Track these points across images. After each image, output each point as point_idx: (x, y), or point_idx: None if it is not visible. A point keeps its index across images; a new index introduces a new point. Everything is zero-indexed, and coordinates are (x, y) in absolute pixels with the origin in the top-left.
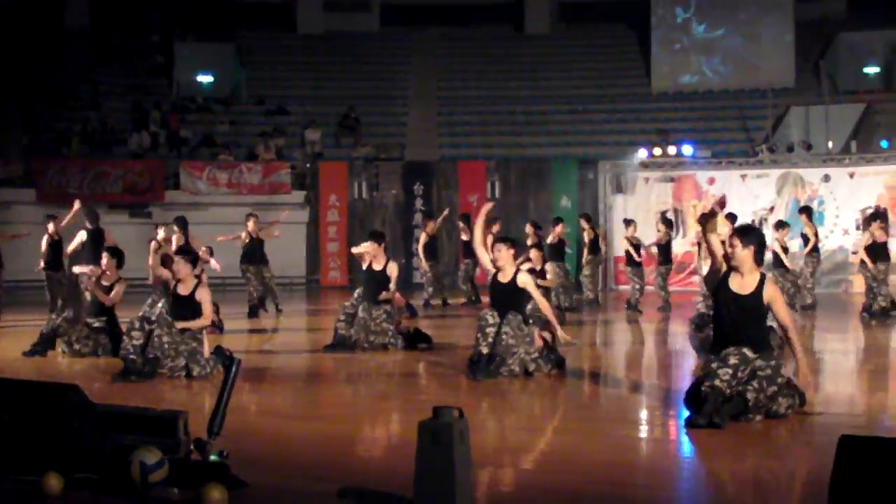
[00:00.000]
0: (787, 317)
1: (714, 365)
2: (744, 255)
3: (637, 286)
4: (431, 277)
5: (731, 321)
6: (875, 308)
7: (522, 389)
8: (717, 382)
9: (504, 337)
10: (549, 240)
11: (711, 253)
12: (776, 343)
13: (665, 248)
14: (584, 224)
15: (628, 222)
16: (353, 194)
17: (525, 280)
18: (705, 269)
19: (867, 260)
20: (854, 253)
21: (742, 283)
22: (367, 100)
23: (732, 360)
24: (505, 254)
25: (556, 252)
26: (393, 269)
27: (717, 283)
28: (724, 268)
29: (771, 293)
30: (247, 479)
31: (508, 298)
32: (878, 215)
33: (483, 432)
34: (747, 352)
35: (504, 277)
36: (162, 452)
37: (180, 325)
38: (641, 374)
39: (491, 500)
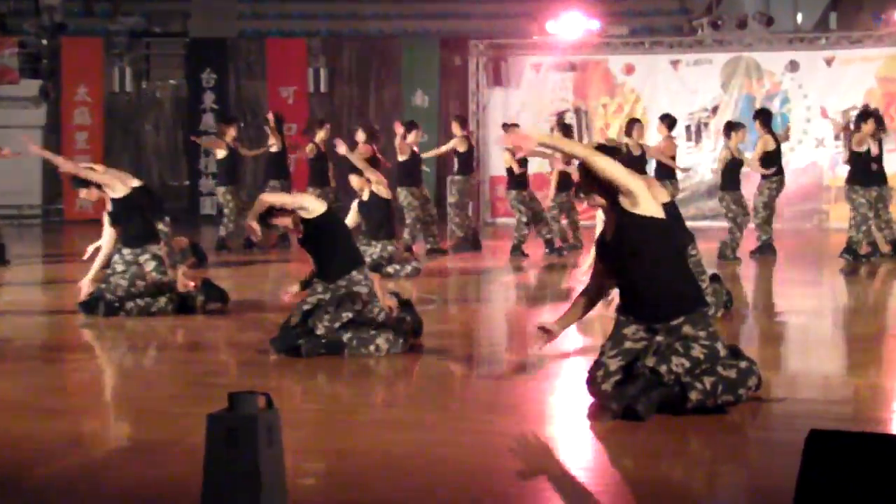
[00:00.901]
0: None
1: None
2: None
3: (523, 219)
4: (234, 208)
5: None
6: (863, 249)
7: (359, 368)
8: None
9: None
10: (400, 154)
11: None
12: (720, 301)
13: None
14: (456, 130)
15: (508, 127)
16: (112, 85)
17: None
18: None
19: (852, 182)
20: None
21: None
22: None
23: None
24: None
25: (408, 172)
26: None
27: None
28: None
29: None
30: None
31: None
32: (871, 114)
33: (302, 429)
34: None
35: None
36: None
37: None
38: (526, 345)
39: None
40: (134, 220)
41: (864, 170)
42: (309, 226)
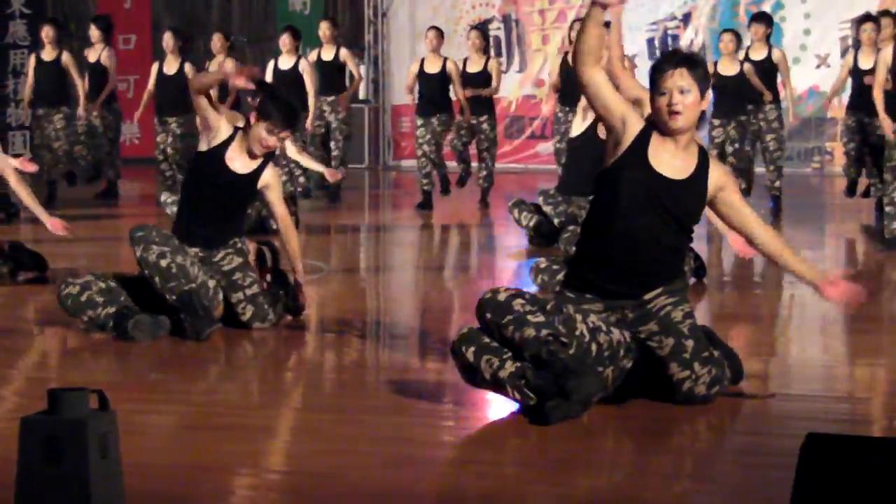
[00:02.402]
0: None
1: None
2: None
3: (430, 156)
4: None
5: (636, 219)
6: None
7: (227, 355)
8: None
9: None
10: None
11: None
12: (690, 269)
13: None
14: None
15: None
16: None
17: (271, 184)
18: (574, 130)
19: (882, 111)
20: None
21: (674, 158)
22: None
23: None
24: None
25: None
26: None
27: (619, 158)
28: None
29: (721, 178)
30: None
31: (235, 197)
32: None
33: (146, 437)
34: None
35: (241, 165)
36: None
37: None
38: (442, 327)
39: None
40: None
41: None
42: None
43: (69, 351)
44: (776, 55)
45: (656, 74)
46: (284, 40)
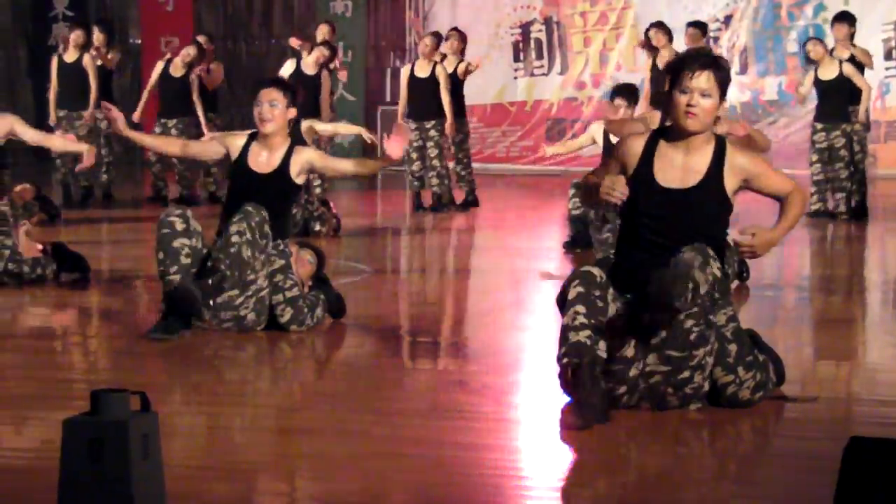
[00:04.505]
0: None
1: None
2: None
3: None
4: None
5: (657, 234)
6: None
7: (265, 356)
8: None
9: (235, 239)
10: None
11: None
12: (733, 271)
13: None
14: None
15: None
16: None
17: (312, 160)
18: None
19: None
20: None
21: (683, 165)
22: None
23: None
24: (282, 112)
25: None
26: (8, 127)
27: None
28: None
29: (744, 170)
30: None
31: (267, 199)
32: None
33: (187, 437)
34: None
35: (264, 164)
36: None
37: None
38: (479, 328)
39: None
40: None
41: None
42: None
43: (112, 352)
44: (859, 54)
45: (681, 71)
46: (427, 43)
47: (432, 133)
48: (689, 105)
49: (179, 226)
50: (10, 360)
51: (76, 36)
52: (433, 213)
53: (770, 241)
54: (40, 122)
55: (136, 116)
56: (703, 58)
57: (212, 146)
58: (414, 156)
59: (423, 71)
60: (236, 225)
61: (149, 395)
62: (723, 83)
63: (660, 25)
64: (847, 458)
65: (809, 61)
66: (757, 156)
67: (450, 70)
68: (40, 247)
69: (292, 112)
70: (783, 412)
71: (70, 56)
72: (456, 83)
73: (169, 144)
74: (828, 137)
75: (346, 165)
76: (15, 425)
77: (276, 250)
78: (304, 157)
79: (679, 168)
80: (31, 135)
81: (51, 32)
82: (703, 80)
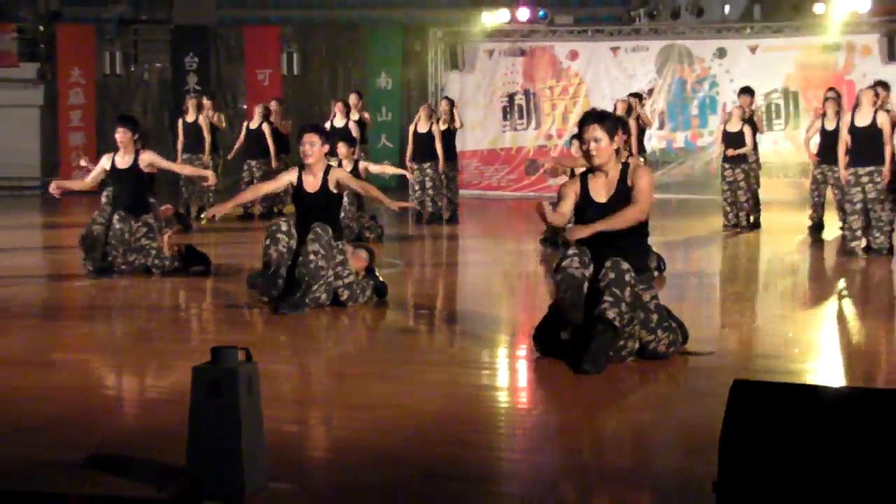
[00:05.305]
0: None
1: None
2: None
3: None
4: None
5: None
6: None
7: (331, 324)
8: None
9: (312, 257)
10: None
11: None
12: (654, 265)
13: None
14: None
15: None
16: (104, 68)
17: (340, 177)
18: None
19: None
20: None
21: (605, 185)
22: None
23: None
24: (318, 149)
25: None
26: (149, 160)
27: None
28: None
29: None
30: None
31: (319, 209)
32: None
33: (278, 380)
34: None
35: (312, 185)
36: None
37: None
38: (482, 304)
39: (289, 466)
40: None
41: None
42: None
43: (226, 320)
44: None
45: (579, 129)
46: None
47: (429, 171)
48: (587, 150)
49: (284, 227)
50: (156, 326)
51: (192, 103)
52: (428, 225)
53: (581, 231)
54: None
55: (230, 156)
56: (589, 115)
57: (280, 183)
58: (416, 187)
59: (423, 127)
60: (312, 244)
61: (251, 350)
62: (609, 129)
63: (635, 95)
64: (732, 395)
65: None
66: (645, 175)
67: (443, 128)
68: (176, 248)
69: (326, 147)
70: (688, 362)
71: (190, 117)
72: (449, 136)
73: (255, 192)
74: (733, 172)
75: (361, 188)
76: (159, 370)
77: (337, 249)
78: (336, 176)
79: (601, 190)
80: (166, 164)
81: (184, 102)
82: (591, 130)
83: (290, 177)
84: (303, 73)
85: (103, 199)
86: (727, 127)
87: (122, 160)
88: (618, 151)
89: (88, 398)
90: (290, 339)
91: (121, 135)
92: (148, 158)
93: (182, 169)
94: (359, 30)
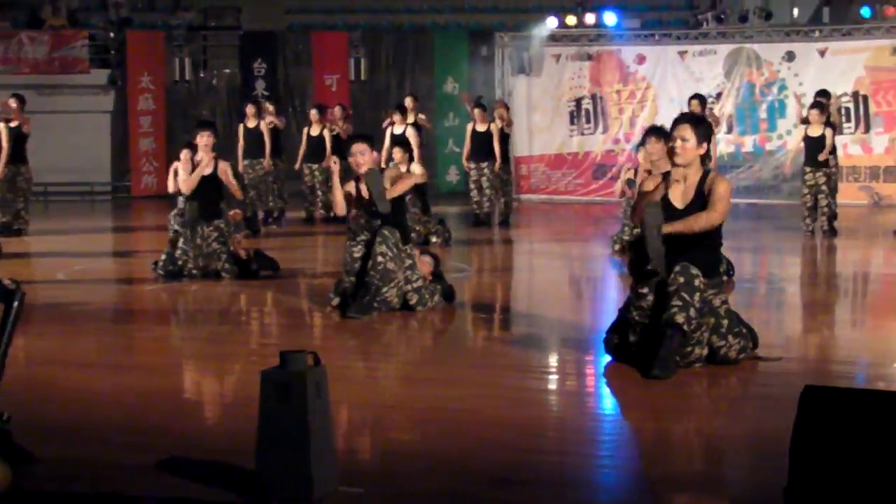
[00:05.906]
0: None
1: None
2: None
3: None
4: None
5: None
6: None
7: (400, 328)
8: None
9: (380, 259)
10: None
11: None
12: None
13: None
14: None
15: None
16: (174, 74)
17: (393, 176)
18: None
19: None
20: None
21: (684, 192)
22: None
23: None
24: (368, 157)
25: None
26: (225, 169)
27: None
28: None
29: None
30: (35, 450)
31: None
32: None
33: (346, 384)
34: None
35: (366, 192)
36: None
37: None
38: (551, 309)
39: (358, 470)
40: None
41: None
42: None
43: (295, 325)
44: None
45: (672, 126)
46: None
47: (486, 171)
48: (672, 148)
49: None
50: (226, 330)
51: (251, 110)
52: (488, 228)
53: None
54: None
55: (296, 166)
56: (683, 116)
57: (341, 192)
58: (472, 187)
59: (481, 127)
60: (380, 247)
61: (319, 354)
62: (699, 131)
63: (697, 97)
64: (803, 401)
65: (804, 121)
66: (723, 183)
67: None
68: (245, 252)
69: (375, 155)
70: (758, 368)
71: (251, 123)
72: (504, 138)
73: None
74: (814, 176)
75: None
76: (229, 374)
77: (405, 254)
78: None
79: (678, 196)
80: (232, 181)
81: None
82: (681, 129)
83: (350, 188)
84: (370, 78)
85: (180, 203)
86: (808, 131)
87: (204, 166)
88: (702, 160)
89: (159, 402)
90: (358, 343)
91: (206, 138)
92: (225, 168)
93: (234, 190)
94: (425, 35)
